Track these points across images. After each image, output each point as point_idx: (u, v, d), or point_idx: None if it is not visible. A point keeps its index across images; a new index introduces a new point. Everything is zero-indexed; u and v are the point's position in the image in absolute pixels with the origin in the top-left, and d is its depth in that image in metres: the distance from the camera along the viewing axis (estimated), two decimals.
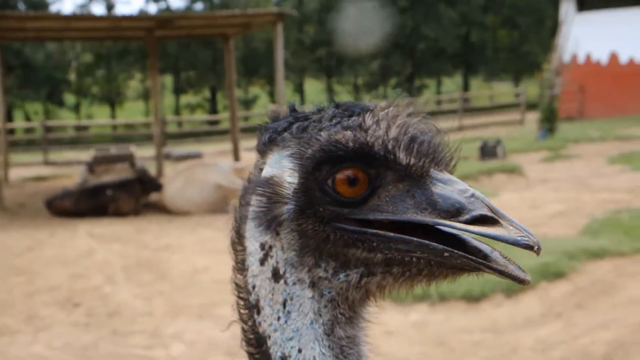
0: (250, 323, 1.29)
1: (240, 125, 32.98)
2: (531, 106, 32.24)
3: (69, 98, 56.27)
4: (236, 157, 18.37)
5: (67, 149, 31.46)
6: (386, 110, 1.24)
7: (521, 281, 1.14)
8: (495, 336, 7.07)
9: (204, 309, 8.33)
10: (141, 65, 48.29)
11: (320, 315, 1.24)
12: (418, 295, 7.86)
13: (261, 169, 1.28)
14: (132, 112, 54.44)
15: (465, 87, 58.58)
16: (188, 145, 32.42)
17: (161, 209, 15.15)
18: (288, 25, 48.18)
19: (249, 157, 17.69)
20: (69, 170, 23.31)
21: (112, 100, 54.45)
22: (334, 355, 1.24)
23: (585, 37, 31.51)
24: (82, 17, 16.52)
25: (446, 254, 1.17)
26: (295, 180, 1.21)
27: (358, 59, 56.43)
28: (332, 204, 1.20)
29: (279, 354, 1.25)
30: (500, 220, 1.15)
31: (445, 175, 1.22)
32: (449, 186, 1.20)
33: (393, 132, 1.20)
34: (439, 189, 1.20)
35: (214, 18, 17.82)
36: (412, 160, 1.20)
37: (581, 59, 32.56)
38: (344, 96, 60.46)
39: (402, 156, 1.20)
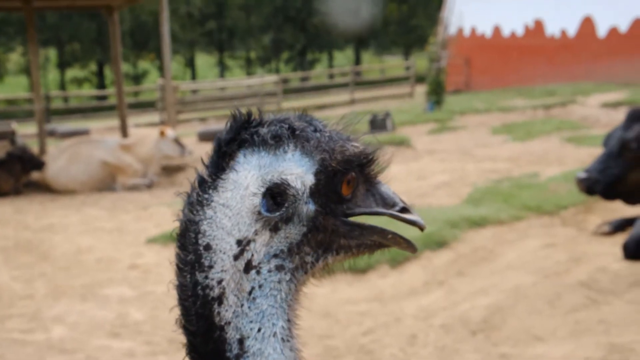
0: (198, 317, 1.39)
1: (130, 100, 32.21)
2: (420, 79, 32.90)
3: None
4: (124, 133, 17.87)
5: None
6: (346, 127, 1.51)
7: (415, 251, 1.53)
8: (381, 306, 7.21)
9: (88, 290, 8.11)
10: (22, 37, 46.16)
11: (290, 293, 1.43)
12: None
13: (224, 169, 1.40)
14: (13, 87, 52.03)
15: (357, 61, 59.11)
16: (75, 122, 31.34)
17: (44, 188, 14.60)
18: None
19: (137, 134, 17.26)
20: None
21: None
22: (289, 328, 1.43)
23: (470, 11, 32.28)
24: None
25: (389, 236, 1.48)
26: (312, 184, 1.39)
27: (250, 33, 55.93)
28: (339, 202, 1.44)
29: (237, 336, 1.38)
30: (411, 210, 1.50)
31: (380, 179, 1.54)
32: (385, 187, 1.52)
33: (364, 145, 1.47)
34: (383, 189, 1.51)
35: None
36: (373, 168, 1.49)
37: (466, 32, 33.36)
38: (237, 70, 59.90)
39: (371, 164, 1.48)
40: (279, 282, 1.40)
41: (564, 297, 6.71)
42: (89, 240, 10.20)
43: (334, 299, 7.34)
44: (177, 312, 1.44)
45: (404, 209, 1.49)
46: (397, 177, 13.35)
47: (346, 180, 1.42)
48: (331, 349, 6.17)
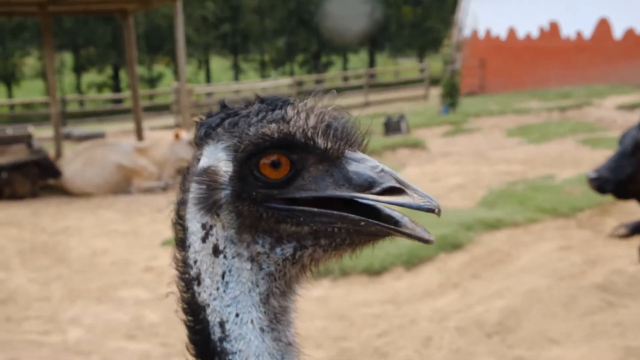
0: (189, 294, 1.45)
1: (145, 103, 32.29)
2: (435, 81, 32.78)
3: None
4: (139, 136, 17.92)
5: None
6: (304, 103, 1.42)
7: (426, 241, 1.32)
8: (395, 308, 7.20)
9: (103, 292, 8.16)
10: (38, 42, 46.44)
11: (257, 286, 1.41)
12: (321, 271, 7.91)
13: (198, 160, 1.47)
14: (30, 91, 52.30)
15: (371, 63, 59.07)
16: (90, 125, 31.46)
17: (60, 191, 14.69)
18: (190, 1, 47.29)
19: (152, 136, 17.33)
20: None
21: (8, 78, 52.22)
22: (268, 320, 1.41)
23: (484, 13, 32.18)
24: None
25: (362, 223, 1.34)
26: (230, 169, 1.39)
27: (264, 36, 56.02)
28: (263, 187, 1.37)
29: (217, 319, 1.41)
30: (406, 189, 1.34)
31: (359, 155, 1.41)
32: (362, 164, 1.38)
33: (311, 122, 1.38)
34: (353, 167, 1.38)
35: None
36: (329, 144, 1.38)
37: (481, 34, 33.27)
38: (251, 73, 60.03)
39: (320, 142, 1.37)
40: (243, 269, 1.41)
41: (579, 299, 6.68)
42: (105, 243, 10.26)
43: (348, 301, 7.35)
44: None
45: (393, 189, 1.34)
46: (412, 179, 13.35)
47: (266, 162, 1.38)
48: (346, 350, 6.17)
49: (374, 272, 7.97)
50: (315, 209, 1.37)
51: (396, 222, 1.34)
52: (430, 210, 1.31)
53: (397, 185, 1.34)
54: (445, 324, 6.58)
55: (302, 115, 1.39)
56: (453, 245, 8.52)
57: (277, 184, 1.37)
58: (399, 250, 8.30)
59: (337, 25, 47.75)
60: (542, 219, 9.49)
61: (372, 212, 1.36)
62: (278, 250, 1.39)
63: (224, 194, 1.39)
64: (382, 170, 1.36)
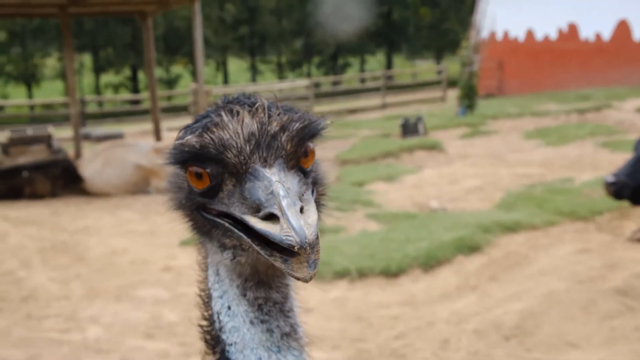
0: (202, 285, 1.52)
1: (163, 104, 32.44)
2: (452, 83, 32.69)
3: None
4: (157, 137, 18.02)
5: None
6: (227, 112, 1.36)
7: (304, 280, 1.23)
8: (413, 310, 7.19)
9: (122, 291, 8.20)
10: (58, 43, 46.73)
11: (233, 280, 1.43)
12: (338, 273, 7.94)
13: None
14: (50, 92, 52.72)
15: (389, 65, 58.99)
16: (109, 126, 31.64)
17: (80, 191, 14.79)
18: (209, 2, 47.49)
19: (170, 137, 17.41)
20: None
21: (29, 79, 52.63)
22: (254, 312, 1.42)
23: (502, 14, 32.05)
24: None
25: (255, 245, 1.28)
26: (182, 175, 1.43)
27: (281, 37, 56.10)
28: (197, 195, 1.39)
29: (217, 309, 1.46)
30: (281, 218, 1.23)
31: (261, 172, 1.31)
32: (259, 182, 1.29)
33: (230, 131, 1.33)
34: (249, 185, 1.31)
35: None
36: (235, 159, 1.32)
37: (499, 35, 33.14)
38: (269, 75, 60.14)
39: (230, 155, 1.32)
40: (221, 263, 1.45)
41: (598, 303, 6.65)
42: (123, 243, 10.32)
43: (366, 303, 7.35)
44: None
45: (272, 216, 1.25)
46: (430, 181, 13.25)
47: (192, 172, 1.37)
48: (363, 352, 6.18)
49: (392, 273, 7.97)
50: (226, 224, 1.34)
51: (283, 250, 1.24)
52: (290, 246, 1.20)
53: (277, 212, 1.24)
54: (462, 326, 6.57)
55: (225, 124, 1.34)
56: (471, 248, 8.51)
57: (204, 194, 1.38)
58: (417, 252, 8.30)
59: (354, 27, 47.74)
60: (561, 222, 9.45)
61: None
62: (224, 253, 1.41)
63: (181, 196, 1.46)
64: (271, 193, 1.27)
